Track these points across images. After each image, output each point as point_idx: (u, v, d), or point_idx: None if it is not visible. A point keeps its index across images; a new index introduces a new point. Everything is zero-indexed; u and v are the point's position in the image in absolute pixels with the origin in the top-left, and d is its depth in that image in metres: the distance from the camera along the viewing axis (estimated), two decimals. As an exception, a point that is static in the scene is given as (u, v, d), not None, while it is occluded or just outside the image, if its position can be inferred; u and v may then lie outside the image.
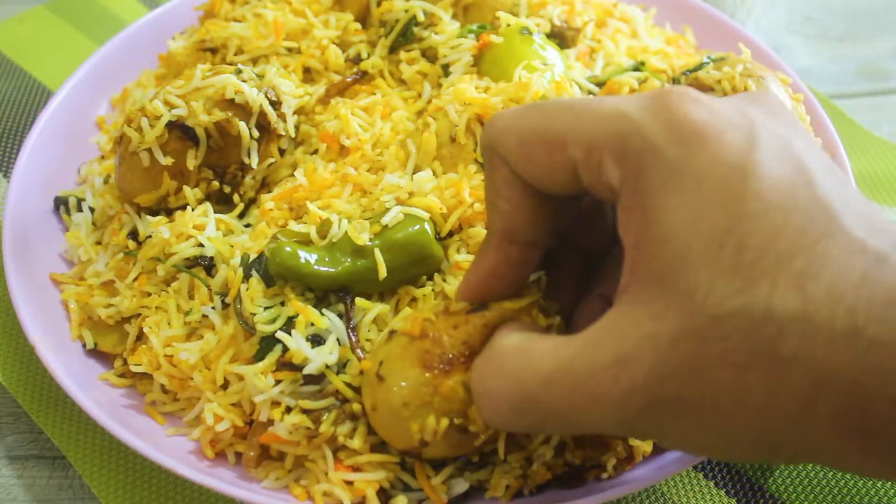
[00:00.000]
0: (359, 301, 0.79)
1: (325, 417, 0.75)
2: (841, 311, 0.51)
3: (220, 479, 0.76)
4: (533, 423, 0.63)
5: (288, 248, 0.79)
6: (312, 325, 0.77)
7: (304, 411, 0.76)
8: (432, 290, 0.81)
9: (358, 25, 1.04)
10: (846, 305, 0.51)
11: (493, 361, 0.64)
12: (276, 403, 0.77)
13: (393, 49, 1.02)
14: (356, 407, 0.75)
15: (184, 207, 0.90)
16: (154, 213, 0.91)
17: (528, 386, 0.60)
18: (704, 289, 0.53)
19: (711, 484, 0.85)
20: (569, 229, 0.72)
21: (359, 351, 0.77)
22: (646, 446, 0.78)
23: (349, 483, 0.75)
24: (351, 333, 0.78)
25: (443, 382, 0.68)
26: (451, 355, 0.68)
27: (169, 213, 0.91)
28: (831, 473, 0.85)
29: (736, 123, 0.57)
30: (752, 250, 0.53)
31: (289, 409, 0.76)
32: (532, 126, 0.63)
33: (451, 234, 0.84)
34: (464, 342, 0.69)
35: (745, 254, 0.53)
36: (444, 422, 0.68)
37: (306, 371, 0.76)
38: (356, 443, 0.75)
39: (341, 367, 0.77)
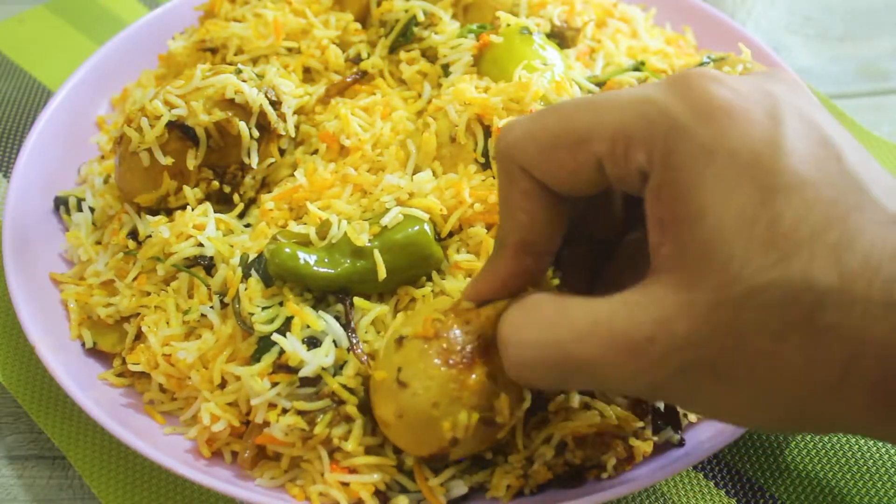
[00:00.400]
0: (358, 302, 0.79)
1: (320, 419, 0.75)
2: (878, 282, 0.52)
3: (218, 479, 0.76)
4: (559, 378, 0.62)
5: (287, 249, 0.79)
6: (308, 327, 0.77)
7: (300, 413, 0.76)
8: (431, 290, 0.81)
9: (358, 25, 1.04)
10: (883, 277, 0.52)
11: (526, 310, 0.64)
12: (272, 405, 0.77)
13: (393, 49, 1.02)
14: (351, 409, 0.75)
15: (184, 207, 0.90)
16: (154, 212, 0.91)
17: (562, 335, 0.60)
18: (740, 261, 0.54)
19: (711, 484, 0.85)
20: (579, 221, 0.71)
21: (360, 352, 0.77)
22: (646, 447, 0.78)
23: (345, 484, 0.75)
24: (350, 334, 0.78)
25: (468, 376, 0.68)
26: (469, 349, 0.69)
27: (169, 212, 0.91)
28: (831, 474, 0.85)
29: (759, 100, 0.58)
30: (786, 223, 0.54)
31: (285, 411, 0.76)
32: (550, 129, 0.63)
33: (450, 234, 0.84)
34: (479, 335, 0.69)
35: (780, 227, 0.54)
36: (475, 416, 0.68)
37: (302, 374, 0.76)
38: (350, 445, 0.75)
39: (338, 368, 0.77)
